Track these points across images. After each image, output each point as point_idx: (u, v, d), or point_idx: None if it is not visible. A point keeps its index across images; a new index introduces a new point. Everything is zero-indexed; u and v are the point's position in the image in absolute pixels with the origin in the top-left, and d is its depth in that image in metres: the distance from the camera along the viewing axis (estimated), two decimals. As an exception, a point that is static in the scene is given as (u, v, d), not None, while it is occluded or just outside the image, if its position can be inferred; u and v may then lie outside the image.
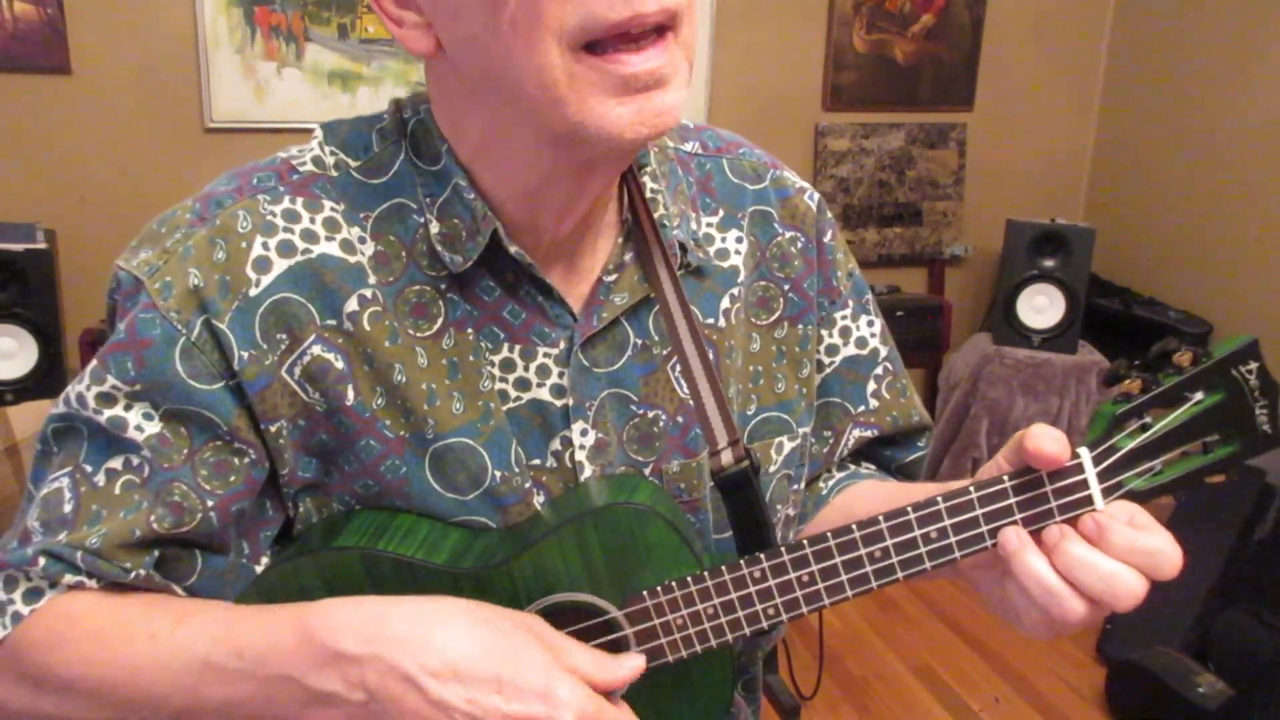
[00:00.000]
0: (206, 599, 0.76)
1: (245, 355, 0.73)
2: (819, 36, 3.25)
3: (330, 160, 0.78)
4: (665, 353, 0.82)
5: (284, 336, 0.74)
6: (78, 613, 0.72)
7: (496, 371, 0.79)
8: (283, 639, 0.68)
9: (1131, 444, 0.69)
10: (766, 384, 0.88)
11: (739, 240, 0.87)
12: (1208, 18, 3.11)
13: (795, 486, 0.90)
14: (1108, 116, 3.53)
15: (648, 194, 0.81)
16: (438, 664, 0.65)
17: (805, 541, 0.72)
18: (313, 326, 0.74)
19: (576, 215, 0.77)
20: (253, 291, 0.73)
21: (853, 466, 0.99)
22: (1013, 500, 0.69)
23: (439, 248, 0.76)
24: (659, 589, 0.75)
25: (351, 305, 0.75)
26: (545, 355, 0.79)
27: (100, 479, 0.73)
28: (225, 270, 0.73)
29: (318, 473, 0.78)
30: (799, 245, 0.89)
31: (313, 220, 0.75)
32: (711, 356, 0.82)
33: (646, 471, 0.83)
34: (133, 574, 0.72)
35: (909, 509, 0.71)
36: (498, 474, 0.78)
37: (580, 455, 0.80)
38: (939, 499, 0.70)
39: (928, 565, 0.71)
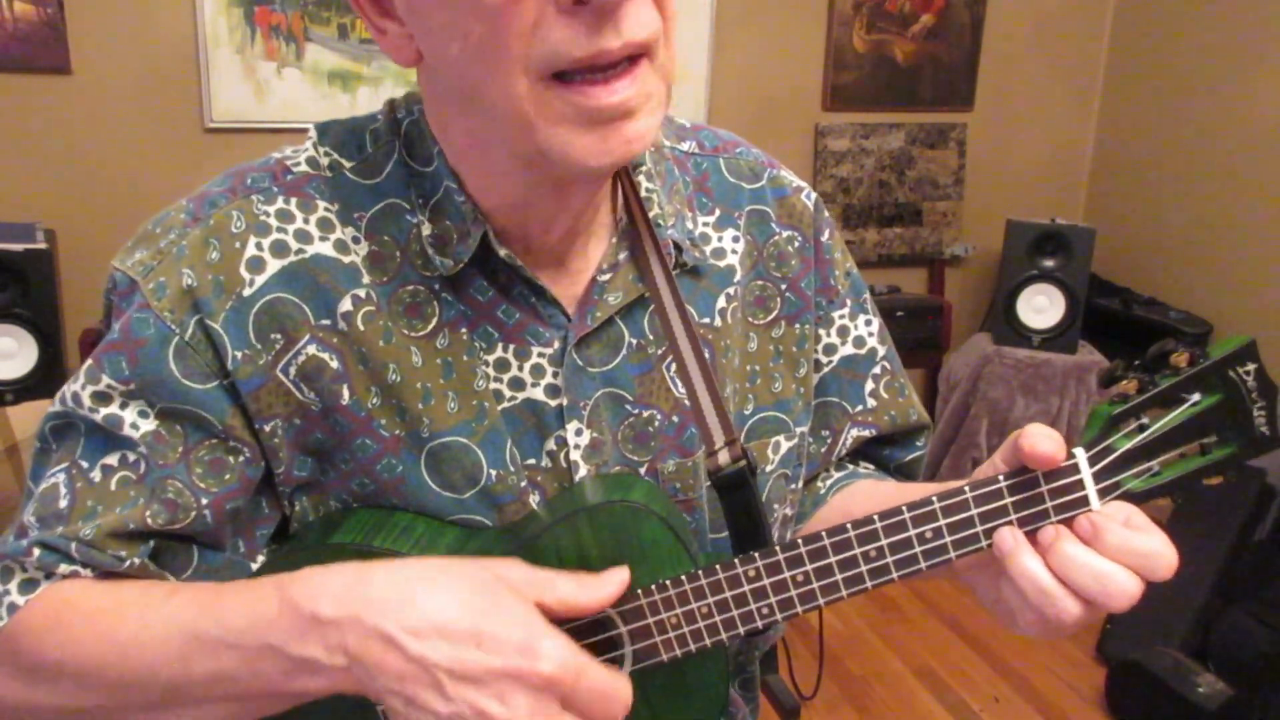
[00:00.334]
0: None
1: (239, 355, 0.73)
2: (819, 36, 3.25)
3: (324, 160, 0.78)
4: (660, 352, 0.82)
5: (278, 336, 0.74)
6: (73, 597, 0.72)
7: (491, 371, 0.79)
8: (265, 609, 0.67)
9: (1128, 445, 0.68)
10: (764, 383, 0.88)
11: (735, 240, 0.87)
12: (1208, 18, 3.11)
13: (793, 486, 0.90)
14: (1108, 116, 3.53)
15: (643, 193, 0.81)
16: (417, 622, 0.64)
17: (800, 541, 0.72)
18: (307, 326, 0.75)
19: (563, 225, 0.77)
20: (246, 291, 0.73)
21: (851, 466, 0.99)
22: (1008, 500, 0.69)
23: (430, 250, 0.76)
24: (653, 588, 0.75)
25: (345, 305, 0.75)
26: (539, 355, 0.79)
27: (96, 475, 0.73)
28: (219, 270, 0.73)
29: (313, 471, 0.78)
30: (796, 244, 0.89)
31: (306, 220, 0.76)
32: (708, 356, 0.82)
33: (642, 471, 0.83)
34: (127, 563, 0.73)
35: (904, 508, 0.70)
36: (493, 473, 0.78)
37: (575, 455, 0.80)
38: (934, 499, 0.70)
39: (923, 565, 0.71)
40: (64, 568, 0.72)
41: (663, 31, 0.66)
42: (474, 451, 0.78)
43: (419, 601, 0.65)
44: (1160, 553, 0.66)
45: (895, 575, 0.72)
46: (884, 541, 0.71)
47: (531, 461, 0.80)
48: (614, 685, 0.67)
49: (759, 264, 0.88)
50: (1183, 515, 2.55)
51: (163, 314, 0.72)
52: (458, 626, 0.64)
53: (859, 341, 0.94)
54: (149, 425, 0.73)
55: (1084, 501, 0.68)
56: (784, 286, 0.89)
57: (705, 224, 0.87)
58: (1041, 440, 0.66)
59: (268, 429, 0.75)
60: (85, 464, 0.74)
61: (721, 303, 0.86)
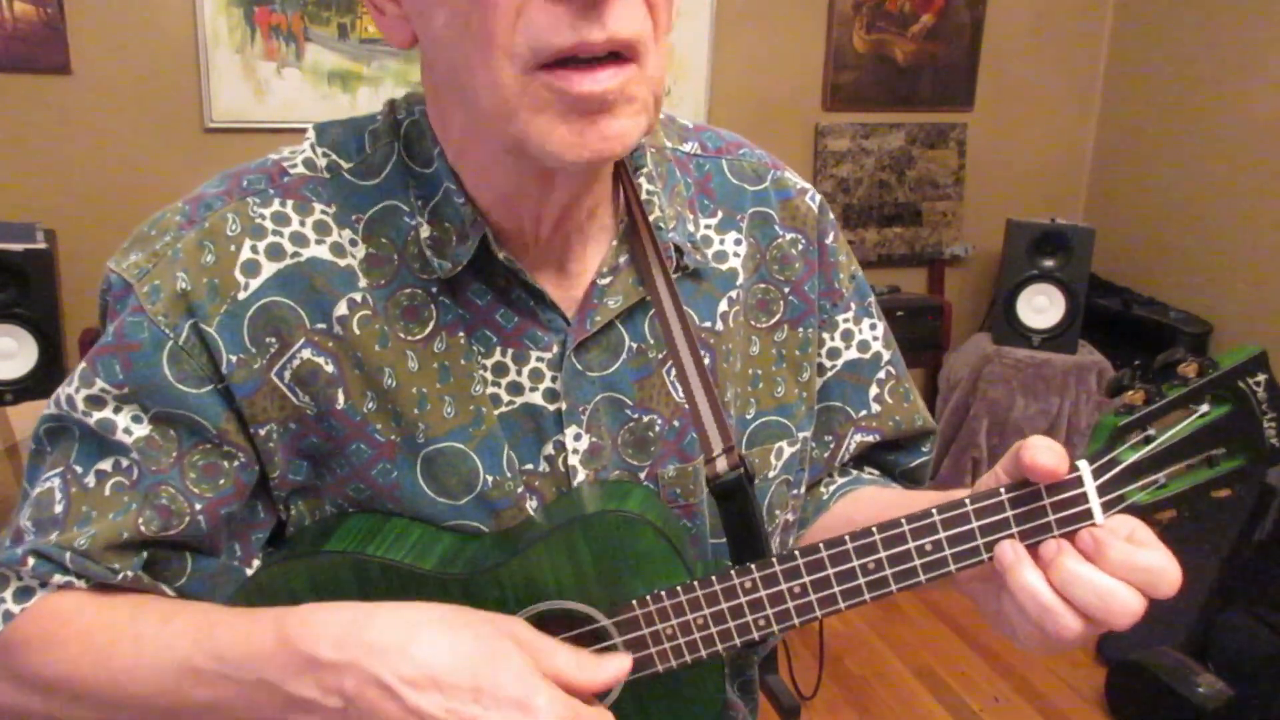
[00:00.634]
0: (197, 600, 0.76)
1: (234, 359, 0.72)
2: (819, 36, 3.24)
3: (322, 162, 0.77)
4: (661, 356, 0.82)
5: (273, 340, 0.73)
6: (67, 612, 0.72)
7: (488, 375, 0.78)
8: (262, 644, 0.67)
9: (1134, 457, 0.67)
10: (766, 388, 0.87)
11: (738, 242, 0.86)
12: (1208, 18, 3.10)
13: (795, 492, 0.89)
14: (1108, 116, 3.52)
15: (643, 196, 0.80)
16: (415, 672, 0.64)
17: (797, 552, 0.71)
18: (302, 330, 0.74)
19: (551, 219, 0.76)
20: (241, 295, 0.73)
21: (855, 471, 0.98)
22: (1009, 513, 0.68)
23: (429, 253, 0.75)
24: (649, 598, 0.74)
25: (341, 309, 0.75)
26: (538, 359, 0.79)
27: (90, 480, 0.73)
28: (213, 273, 0.73)
29: (309, 476, 0.78)
30: (800, 247, 0.88)
31: (303, 223, 0.75)
32: (708, 360, 0.81)
33: (641, 476, 0.82)
34: (120, 575, 0.72)
35: (903, 520, 0.69)
36: (489, 479, 0.77)
37: (573, 460, 0.79)
38: (934, 511, 0.69)
39: (922, 578, 0.70)
40: (58, 578, 0.72)
41: (652, 38, 0.66)
42: (470, 457, 0.77)
43: (418, 651, 0.65)
44: (1164, 569, 0.65)
45: (894, 588, 0.70)
46: (883, 554, 0.70)
47: (529, 466, 0.79)
48: None
49: (761, 267, 0.87)
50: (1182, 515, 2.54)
51: (157, 318, 0.72)
52: (456, 679, 0.64)
53: (863, 346, 0.92)
54: (142, 430, 0.72)
55: (1087, 515, 0.67)
56: (787, 290, 0.88)
57: (707, 226, 0.86)
58: (1043, 453, 0.65)
59: (262, 433, 0.74)
60: (79, 469, 0.73)
61: (723, 306, 0.85)
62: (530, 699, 0.64)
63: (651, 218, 0.80)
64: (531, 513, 0.79)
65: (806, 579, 0.71)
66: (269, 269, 0.74)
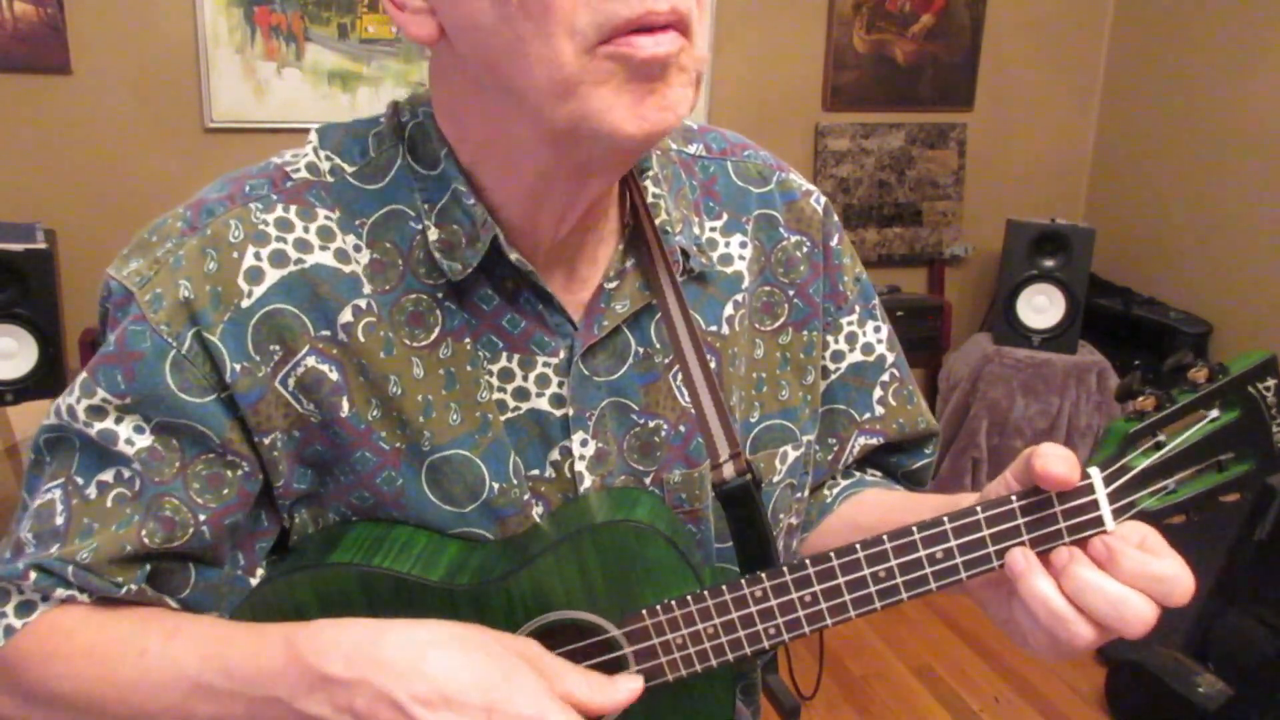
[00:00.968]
0: (200, 612, 0.76)
1: (238, 368, 0.72)
2: (819, 36, 3.24)
3: (325, 165, 0.76)
4: (667, 361, 0.81)
5: (277, 348, 0.73)
6: (70, 627, 0.72)
7: (495, 381, 0.78)
8: (271, 660, 0.67)
9: (1144, 463, 0.67)
10: (770, 391, 0.87)
11: (743, 245, 0.86)
12: (1208, 17, 3.10)
13: (798, 495, 0.89)
14: (1108, 116, 3.52)
15: (649, 199, 0.80)
16: (427, 691, 0.64)
17: (808, 560, 0.71)
18: (306, 338, 0.73)
19: (576, 217, 0.75)
20: (245, 303, 0.72)
21: (858, 474, 0.97)
22: (1020, 521, 0.67)
23: (437, 255, 0.74)
24: (658, 608, 0.73)
25: (346, 316, 0.74)
26: (544, 365, 0.78)
27: (92, 492, 0.72)
28: (217, 281, 0.72)
29: (313, 484, 0.77)
30: (805, 250, 0.88)
31: (306, 229, 0.74)
32: (714, 365, 0.81)
33: (647, 481, 0.81)
34: (124, 589, 0.72)
35: (914, 528, 0.69)
36: (495, 486, 0.77)
37: (580, 465, 0.79)
38: (945, 519, 0.69)
39: (933, 586, 0.70)
40: (60, 592, 0.72)
41: (698, 18, 0.66)
42: (476, 464, 0.76)
43: (430, 669, 0.65)
44: (1177, 578, 0.64)
45: (905, 596, 0.70)
46: (894, 562, 0.69)
47: (535, 472, 0.79)
48: None
49: (766, 269, 0.87)
50: (1183, 515, 2.54)
51: (159, 327, 0.71)
52: (468, 698, 0.64)
53: (867, 349, 0.92)
54: (145, 441, 0.72)
55: (1099, 522, 0.66)
56: (792, 293, 0.88)
57: (712, 229, 0.85)
58: (1055, 461, 0.65)
59: (267, 442, 0.74)
60: (80, 480, 0.73)
61: (729, 310, 0.84)
62: (543, 717, 0.64)
63: (658, 221, 0.80)
64: (537, 519, 0.79)
65: (817, 587, 0.71)
66: (272, 276, 0.73)
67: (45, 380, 2.44)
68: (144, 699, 0.70)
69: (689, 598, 0.73)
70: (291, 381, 0.74)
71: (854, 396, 0.92)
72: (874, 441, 0.94)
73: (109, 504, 0.72)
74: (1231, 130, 3.03)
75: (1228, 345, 3.02)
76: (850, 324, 0.91)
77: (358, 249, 0.75)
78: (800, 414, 0.88)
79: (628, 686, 0.71)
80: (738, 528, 0.78)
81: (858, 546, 0.70)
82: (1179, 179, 3.23)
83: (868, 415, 0.93)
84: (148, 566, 0.73)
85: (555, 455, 0.79)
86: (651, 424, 0.81)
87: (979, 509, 0.68)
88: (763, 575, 0.72)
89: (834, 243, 0.90)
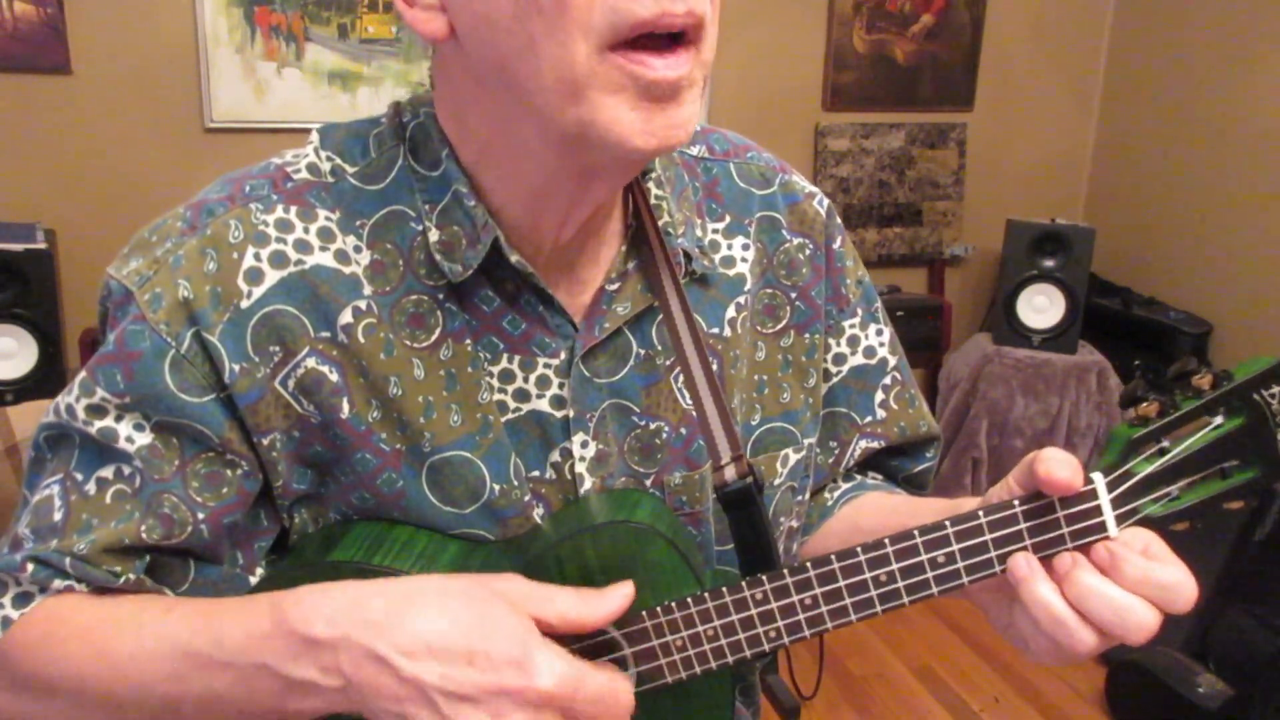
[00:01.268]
0: None
1: (237, 368, 0.72)
2: (819, 36, 3.24)
3: (326, 166, 0.76)
4: (668, 363, 0.81)
5: (277, 349, 0.73)
6: (66, 613, 0.72)
7: (495, 383, 0.77)
8: (259, 627, 0.66)
9: (1148, 469, 0.66)
10: (771, 394, 0.87)
11: (745, 247, 0.86)
12: (1208, 18, 3.10)
13: (799, 498, 0.89)
14: (1108, 116, 3.52)
15: (652, 200, 0.80)
16: (409, 642, 0.63)
17: (809, 564, 0.71)
18: (306, 339, 0.73)
19: (578, 220, 0.75)
20: (244, 303, 0.72)
21: (859, 477, 0.97)
22: (1023, 526, 0.67)
23: (438, 256, 0.74)
24: (659, 609, 0.73)
25: (346, 317, 0.74)
26: (545, 366, 0.78)
27: (91, 488, 0.72)
28: (216, 281, 0.72)
29: (313, 484, 0.77)
30: (807, 252, 0.88)
31: (306, 230, 0.74)
32: (716, 367, 0.80)
33: (648, 483, 0.81)
34: (122, 579, 0.72)
35: (916, 532, 0.69)
36: (496, 487, 0.77)
37: (580, 467, 0.79)
38: (947, 524, 0.68)
39: (935, 590, 0.69)
40: (58, 583, 0.71)
41: (710, 19, 0.66)
42: (477, 465, 0.76)
43: (411, 621, 0.64)
44: (1181, 584, 0.64)
45: (906, 600, 0.70)
46: (895, 566, 0.69)
47: (536, 473, 0.79)
48: (614, 692, 0.66)
49: (768, 272, 0.87)
50: (1183, 515, 2.54)
51: (158, 326, 0.71)
52: (450, 645, 0.63)
53: (869, 352, 0.92)
54: (145, 439, 0.72)
55: (1101, 528, 0.66)
56: (794, 295, 0.87)
57: (715, 231, 0.85)
58: (1059, 466, 0.64)
59: (266, 442, 0.74)
60: (79, 476, 0.73)
61: (731, 312, 0.84)
62: (527, 659, 0.63)
63: (660, 223, 0.80)
64: (538, 520, 0.78)
65: (818, 590, 0.71)
66: (272, 277, 0.73)
67: (45, 380, 2.44)
68: (138, 674, 0.69)
69: (689, 599, 0.73)
70: (291, 382, 0.73)
71: (855, 399, 0.92)
72: (875, 445, 0.93)
73: (108, 500, 0.72)
74: (1231, 130, 3.03)
75: (1228, 345, 3.02)
76: (852, 327, 0.91)
77: (358, 250, 0.75)
78: (802, 417, 0.88)
79: (618, 594, 0.71)
80: (738, 530, 0.78)
81: (859, 550, 0.70)
82: (1179, 179, 3.23)
83: (869, 418, 0.93)
84: (146, 559, 0.73)
85: (556, 456, 0.79)
86: (652, 426, 0.81)
87: (981, 513, 0.68)
88: (763, 578, 0.72)
89: (836, 245, 0.90)
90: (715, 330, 0.84)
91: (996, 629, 0.73)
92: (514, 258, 0.74)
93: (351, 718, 0.67)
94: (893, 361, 0.93)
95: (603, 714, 0.65)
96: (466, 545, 0.77)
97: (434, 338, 0.76)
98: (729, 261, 0.85)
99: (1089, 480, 0.66)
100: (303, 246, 0.74)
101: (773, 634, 0.72)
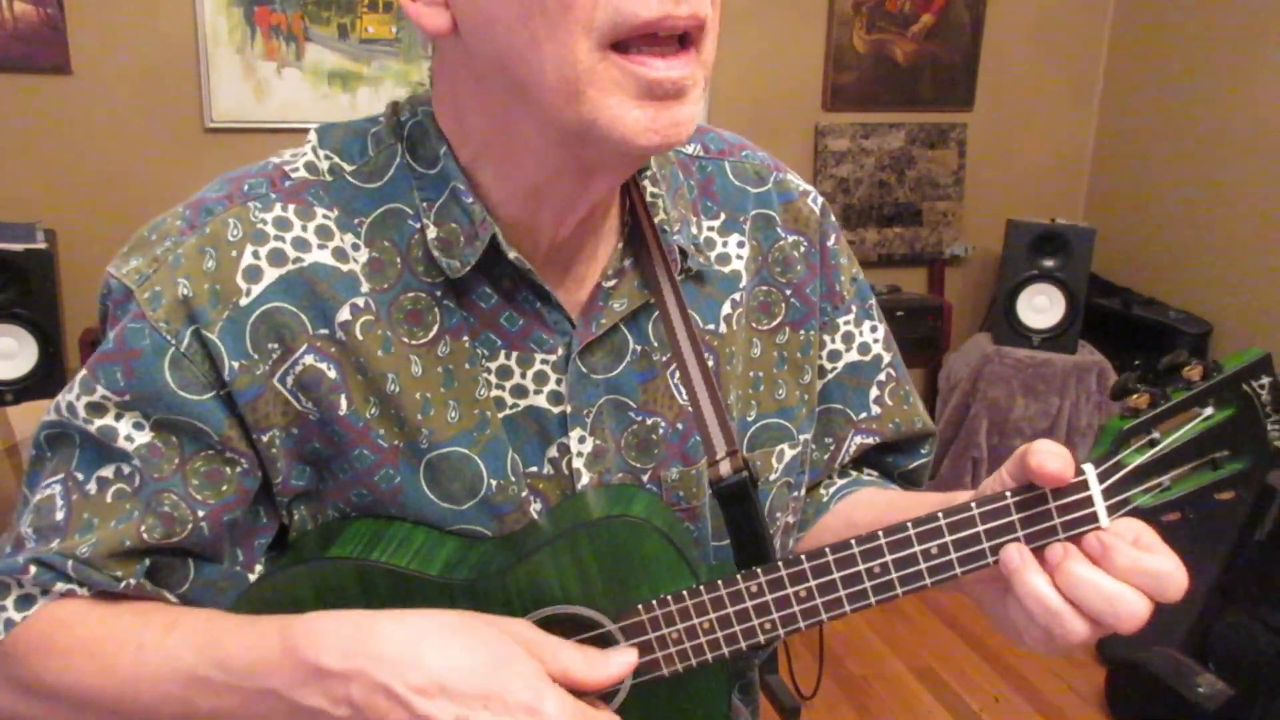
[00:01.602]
0: (199, 606, 0.76)
1: (236, 365, 0.72)
2: (819, 36, 3.25)
3: (324, 165, 0.77)
4: (665, 359, 0.81)
5: (275, 346, 0.73)
6: (69, 620, 0.72)
7: (493, 379, 0.78)
8: (268, 653, 0.67)
9: (1138, 460, 0.67)
10: (767, 390, 0.87)
11: (740, 245, 0.86)
12: (1208, 17, 3.10)
13: (795, 494, 0.89)
14: (1108, 117, 3.52)
15: (648, 198, 0.80)
16: (423, 680, 0.64)
17: (803, 557, 0.71)
18: (305, 336, 0.73)
19: (576, 218, 0.76)
20: (243, 301, 0.72)
21: (854, 473, 0.98)
22: (1015, 517, 0.68)
23: (436, 253, 0.74)
24: (654, 603, 0.74)
25: (344, 315, 0.74)
26: (542, 362, 0.78)
27: (91, 487, 0.73)
28: (215, 279, 0.72)
29: (311, 481, 0.77)
30: (802, 250, 0.88)
31: (304, 228, 0.74)
32: (711, 363, 0.81)
33: (645, 478, 0.82)
34: (124, 583, 0.72)
35: (909, 524, 0.69)
36: (494, 483, 0.77)
37: (578, 463, 0.79)
38: (940, 515, 0.69)
39: (928, 581, 0.70)
40: (60, 586, 0.72)
41: (712, 20, 0.67)
42: (474, 462, 0.77)
43: (426, 659, 0.65)
44: (1171, 573, 0.65)
45: (900, 591, 0.71)
46: (889, 558, 0.70)
47: (533, 469, 0.79)
48: None
49: (763, 269, 0.87)
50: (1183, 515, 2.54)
51: (158, 324, 0.71)
52: (464, 686, 0.64)
53: (864, 348, 0.93)
54: (144, 437, 0.72)
55: (1093, 518, 0.67)
56: (789, 292, 0.88)
57: (710, 228, 0.86)
58: (1050, 458, 0.65)
59: (265, 439, 0.74)
60: (80, 476, 0.73)
61: (726, 309, 0.85)
62: (540, 704, 0.65)
63: (656, 220, 0.80)
64: (535, 516, 0.79)
65: (812, 583, 0.71)
66: (271, 275, 0.73)
67: (45, 380, 2.45)
68: (142, 692, 0.70)
69: (685, 593, 0.73)
70: (290, 379, 0.74)
71: (850, 396, 0.93)
72: (870, 441, 0.94)
73: (109, 499, 0.72)
74: (1231, 130, 3.03)
75: (1227, 345, 3.02)
76: (847, 323, 0.92)
77: (356, 248, 0.75)
78: (797, 413, 0.88)
79: (621, 660, 0.72)
80: (734, 525, 0.78)
81: (853, 542, 0.70)
82: (1179, 179, 3.23)
83: (864, 415, 0.93)
84: (147, 561, 0.73)
85: (553, 452, 0.79)
86: (649, 421, 0.81)
87: (974, 505, 0.69)
88: (758, 570, 0.72)
89: (831, 243, 0.90)
90: (711, 327, 0.84)
91: (990, 620, 0.74)
92: (512, 254, 0.75)
93: None
94: (887, 358, 0.94)
95: None
96: (464, 541, 0.78)
97: (432, 334, 0.76)
98: (724, 259, 0.86)
99: (1080, 471, 0.67)
100: (301, 244, 0.74)
101: (768, 626, 0.73)
